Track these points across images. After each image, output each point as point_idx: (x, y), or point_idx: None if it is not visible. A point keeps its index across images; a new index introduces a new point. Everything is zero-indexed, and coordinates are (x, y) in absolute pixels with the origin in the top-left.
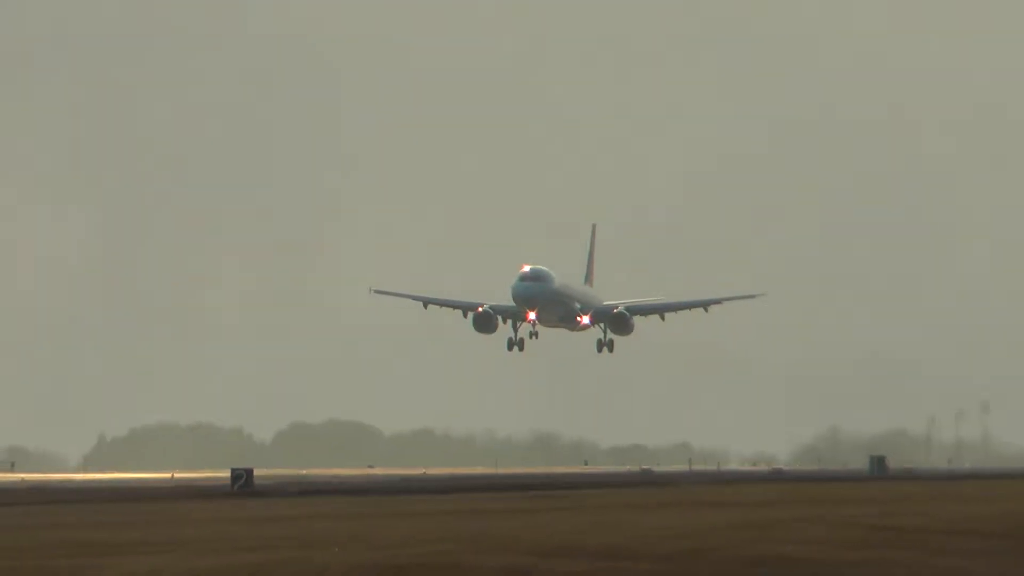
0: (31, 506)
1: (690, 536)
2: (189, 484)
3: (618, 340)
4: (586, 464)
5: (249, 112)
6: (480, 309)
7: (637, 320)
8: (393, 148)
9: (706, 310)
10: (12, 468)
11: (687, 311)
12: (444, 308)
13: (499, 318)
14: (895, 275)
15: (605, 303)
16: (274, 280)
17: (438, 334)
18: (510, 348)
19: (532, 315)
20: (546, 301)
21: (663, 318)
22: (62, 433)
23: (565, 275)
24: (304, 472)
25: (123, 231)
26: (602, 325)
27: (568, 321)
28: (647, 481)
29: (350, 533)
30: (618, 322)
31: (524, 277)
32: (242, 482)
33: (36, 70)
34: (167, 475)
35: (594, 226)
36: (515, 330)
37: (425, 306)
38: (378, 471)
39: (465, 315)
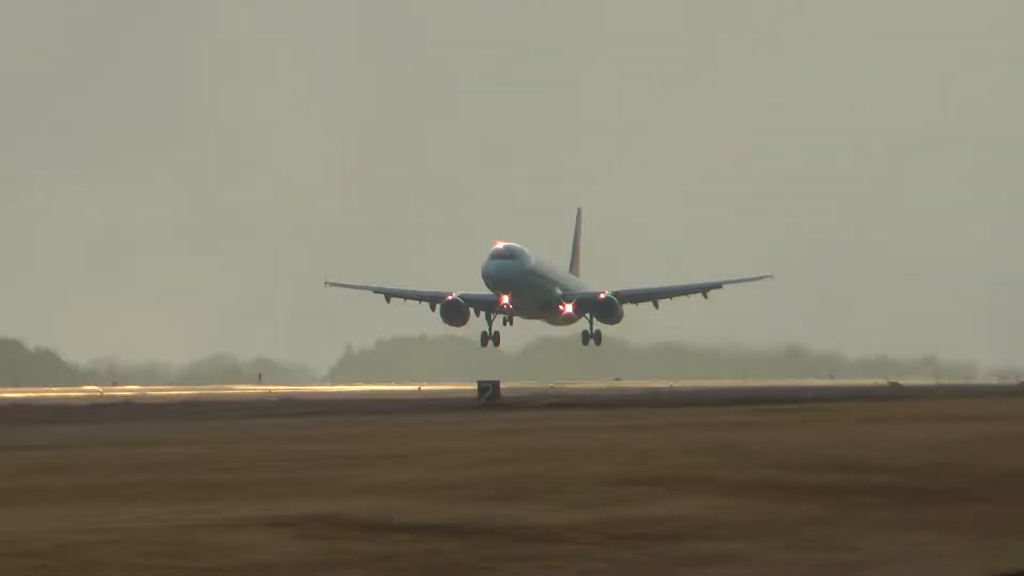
0: (279, 418)
1: (937, 449)
2: (436, 396)
3: (605, 330)
4: (833, 377)
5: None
6: (450, 297)
7: (627, 308)
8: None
9: (705, 296)
10: (259, 380)
11: (684, 297)
12: (409, 301)
13: (470, 309)
14: None
15: (591, 291)
16: (512, 192)
17: (691, 245)
18: (484, 343)
19: (506, 299)
20: (522, 283)
21: (656, 305)
22: (309, 345)
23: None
24: (551, 384)
25: (387, 142)
26: (588, 315)
27: (548, 310)
28: (894, 394)
29: (597, 445)
30: (605, 309)
31: (496, 255)
32: (489, 394)
33: None
34: (414, 387)
35: (579, 210)
36: (489, 322)
37: (387, 299)
38: (625, 384)
39: (433, 308)
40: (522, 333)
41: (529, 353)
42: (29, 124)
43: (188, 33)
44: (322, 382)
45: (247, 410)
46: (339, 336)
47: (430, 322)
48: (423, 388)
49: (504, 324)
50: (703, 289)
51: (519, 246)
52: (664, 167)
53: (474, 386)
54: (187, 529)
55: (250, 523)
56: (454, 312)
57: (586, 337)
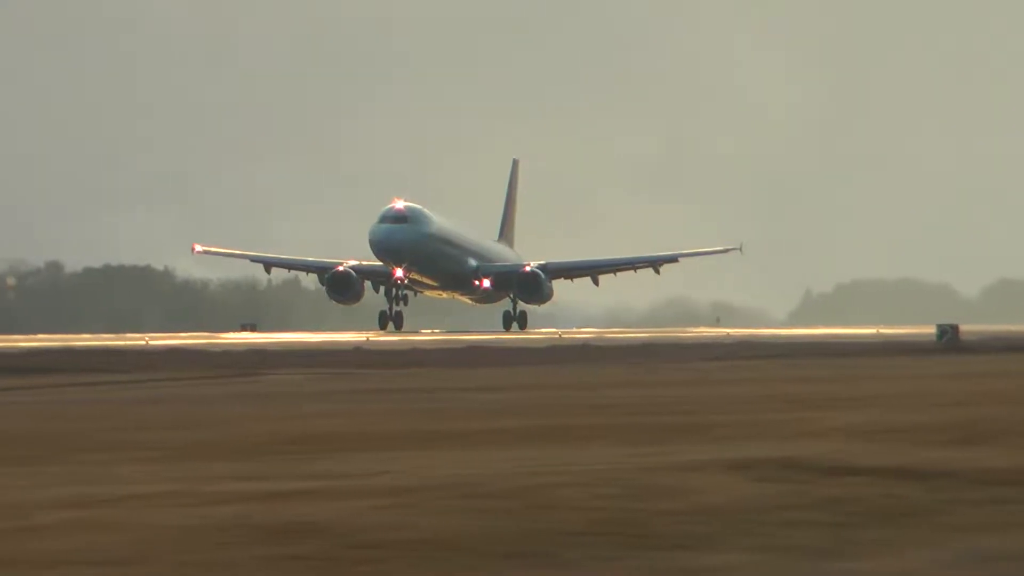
0: (734, 360)
1: None
2: (893, 339)
3: (531, 312)
4: None
5: None
6: (340, 268)
7: (562, 285)
8: None
9: (657, 270)
10: (717, 323)
11: (631, 272)
12: (294, 272)
13: (364, 282)
14: None
15: (514, 263)
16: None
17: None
18: (383, 325)
19: (399, 272)
20: (420, 252)
21: (596, 282)
22: (769, 289)
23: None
24: (1012, 328)
25: (855, 87)
26: (511, 293)
27: (462, 285)
28: None
29: None
30: (528, 286)
31: (387, 217)
32: (947, 338)
33: None
34: (871, 330)
35: (515, 161)
36: (389, 299)
37: (268, 269)
38: None
39: (322, 280)
40: (982, 276)
41: (988, 296)
42: (488, 65)
43: None
44: (781, 325)
45: (702, 352)
46: (798, 280)
47: (886, 264)
48: (881, 331)
49: (397, 303)
50: (654, 263)
51: (419, 207)
52: None
53: (933, 329)
54: (641, 472)
55: (705, 466)
56: (343, 285)
57: (508, 319)
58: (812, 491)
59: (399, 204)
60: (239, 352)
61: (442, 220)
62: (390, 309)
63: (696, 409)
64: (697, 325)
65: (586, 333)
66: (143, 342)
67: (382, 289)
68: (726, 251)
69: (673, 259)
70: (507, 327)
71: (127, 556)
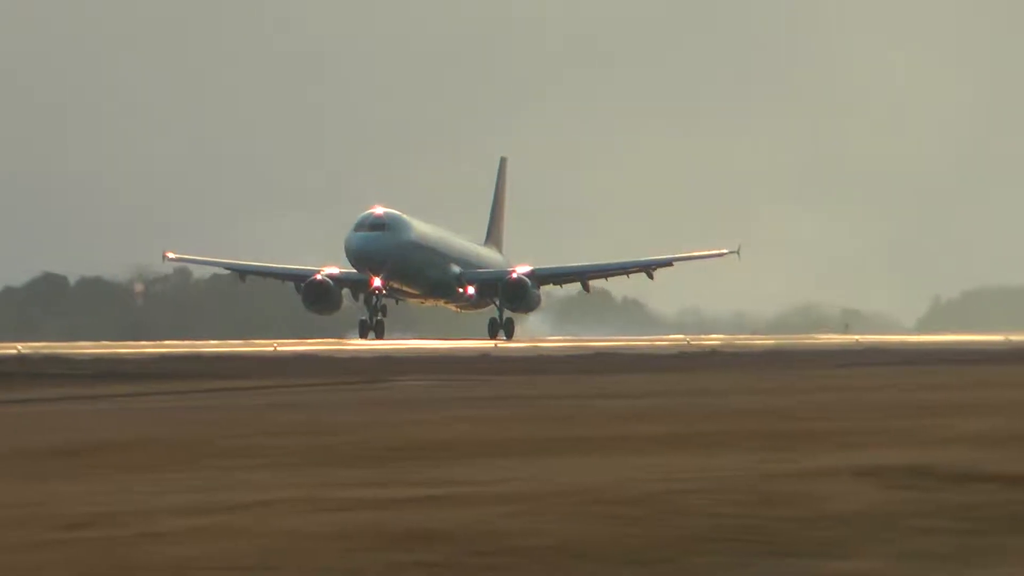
0: (862, 367)
1: None
2: (1022, 346)
3: (519, 321)
4: None
5: None
6: (317, 276)
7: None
8: None
9: (651, 276)
10: (846, 330)
11: (623, 277)
12: (269, 279)
13: (342, 291)
14: None
15: (500, 268)
16: None
17: None
18: (363, 334)
19: (377, 281)
20: (399, 260)
21: (587, 288)
22: (897, 296)
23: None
24: None
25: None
26: (496, 300)
27: (445, 292)
28: None
29: None
30: (513, 293)
31: (362, 224)
32: None
33: None
34: (1000, 337)
35: (503, 160)
36: (369, 308)
37: (242, 278)
38: None
39: (299, 288)
40: None
41: None
42: (625, 69)
43: None
44: (909, 332)
45: (831, 359)
46: (926, 286)
47: (1014, 270)
48: (1009, 338)
49: (377, 314)
50: (648, 267)
51: (397, 213)
52: None
53: None
54: (768, 478)
55: (832, 473)
56: (319, 295)
57: (494, 327)
58: (941, 498)
59: (378, 210)
60: (366, 359)
61: (423, 225)
62: (370, 319)
63: (824, 415)
64: (825, 332)
65: (714, 340)
66: (271, 348)
67: (361, 298)
68: (722, 255)
69: (667, 263)
70: (492, 335)
71: (254, 562)
